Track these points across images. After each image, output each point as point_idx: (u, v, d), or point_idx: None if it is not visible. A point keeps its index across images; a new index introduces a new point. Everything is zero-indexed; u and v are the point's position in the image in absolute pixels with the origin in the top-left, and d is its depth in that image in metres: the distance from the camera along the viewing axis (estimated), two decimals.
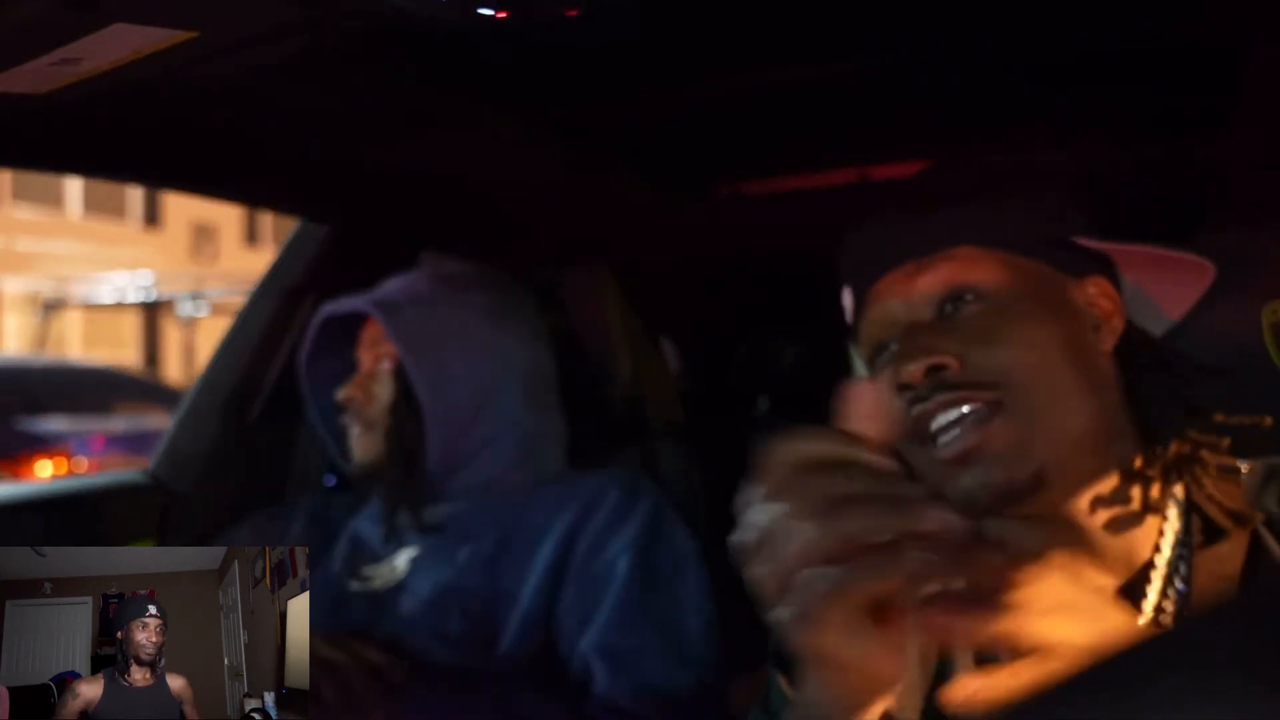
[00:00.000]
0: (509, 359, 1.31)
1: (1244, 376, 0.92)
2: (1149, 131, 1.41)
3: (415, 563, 1.26)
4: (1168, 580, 0.72)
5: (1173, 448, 0.75)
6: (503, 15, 0.84)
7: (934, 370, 0.73)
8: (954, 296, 0.76)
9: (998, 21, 1.04)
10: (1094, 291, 0.79)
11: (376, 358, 1.31)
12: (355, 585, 1.27)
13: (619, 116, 1.37)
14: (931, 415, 0.73)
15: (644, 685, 1.15)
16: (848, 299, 0.86)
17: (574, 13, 0.87)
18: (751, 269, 2.18)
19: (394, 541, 1.30)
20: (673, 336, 2.39)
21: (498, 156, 1.48)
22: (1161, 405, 0.76)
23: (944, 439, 0.73)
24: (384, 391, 1.29)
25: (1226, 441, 0.76)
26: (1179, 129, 1.36)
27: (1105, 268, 0.81)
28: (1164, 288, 0.82)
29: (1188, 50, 1.11)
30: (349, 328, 1.36)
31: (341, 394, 1.31)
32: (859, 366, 0.96)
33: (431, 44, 1.03)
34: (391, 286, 1.34)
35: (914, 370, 0.73)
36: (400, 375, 1.28)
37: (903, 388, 0.74)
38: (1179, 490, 0.75)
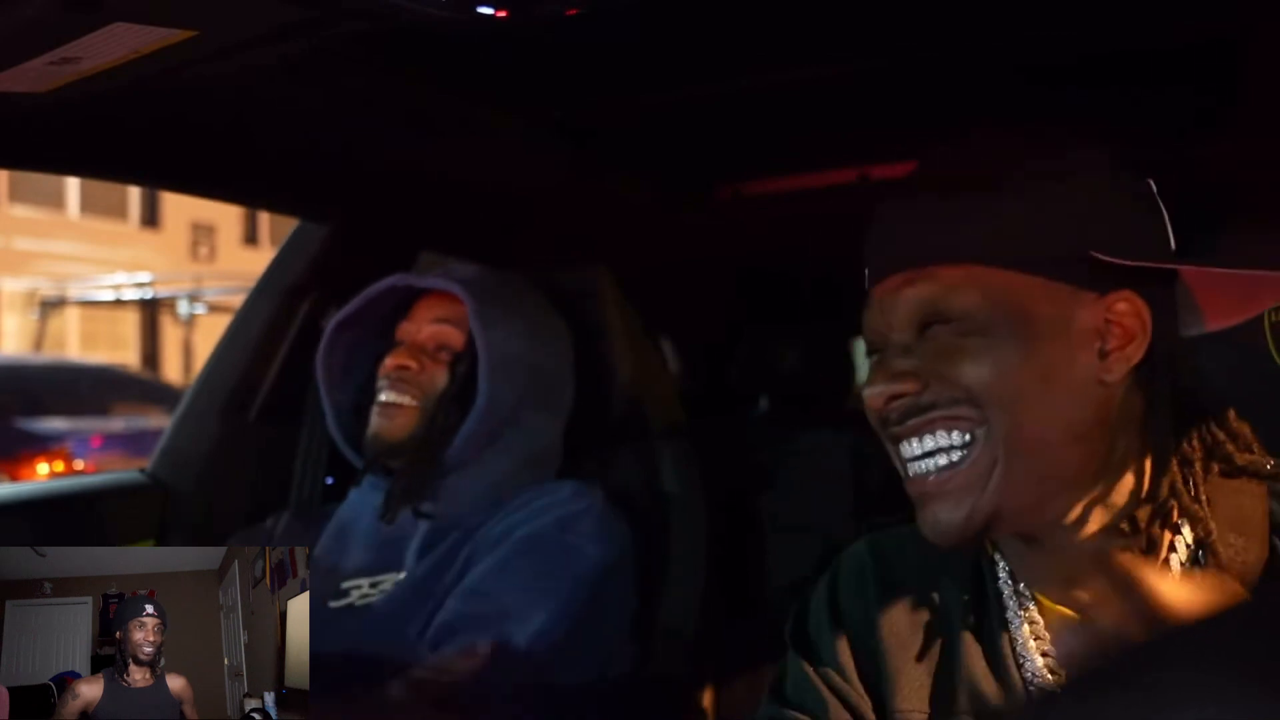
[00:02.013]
0: (547, 370, 1.33)
1: (1244, 376, 0.92)
2: (1149, 132, 1.41)
3: (400, 583, 1.26)
4: None
5: (1163, 495, 0.72)
6: (503, 15, 0.84)
7: (895, 399, 0.73)
8: (927, 319, 0.73)
9: (998, 21, 1.04)
10: (1122, 309, 0.72)
11: (436, 336, 1.31)
12: (333, 603, 1.26)
13: (619, 116, 1.37)
14: (899, 439, 0.74)
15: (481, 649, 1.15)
16: (867, 279, 0.82)
17: (574, 12, 0.87)
18: (751, 269, 2.18)
19: (390, 525, 1.29)
20: (673, 336, 2.39)
21: (498, 157, 1.48)
22: (1166, 447, 0.73)
23: (912, 470, 0.74)
24: (439, 373, 1.29)
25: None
26: (1178, 130, 1.36)
27: (1146, 279, 0.73)
28: (1219, 301, 0.76)
29: (1187, 50, 1.11)
30: (373, 319, 1.36)
31: (392, 361, 1.29)
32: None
33: (431, 44, 1.03)
34: (462, 274, 1.33)
35: (874, 397, 0.74)
36: (459, 362, 1.29)
37: (873, 411, 0.75)
38: (1186, 537, 0.73)
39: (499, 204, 1.67)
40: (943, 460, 0.72)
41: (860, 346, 3.31)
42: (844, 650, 0.82)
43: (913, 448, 0.74)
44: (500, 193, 1.63)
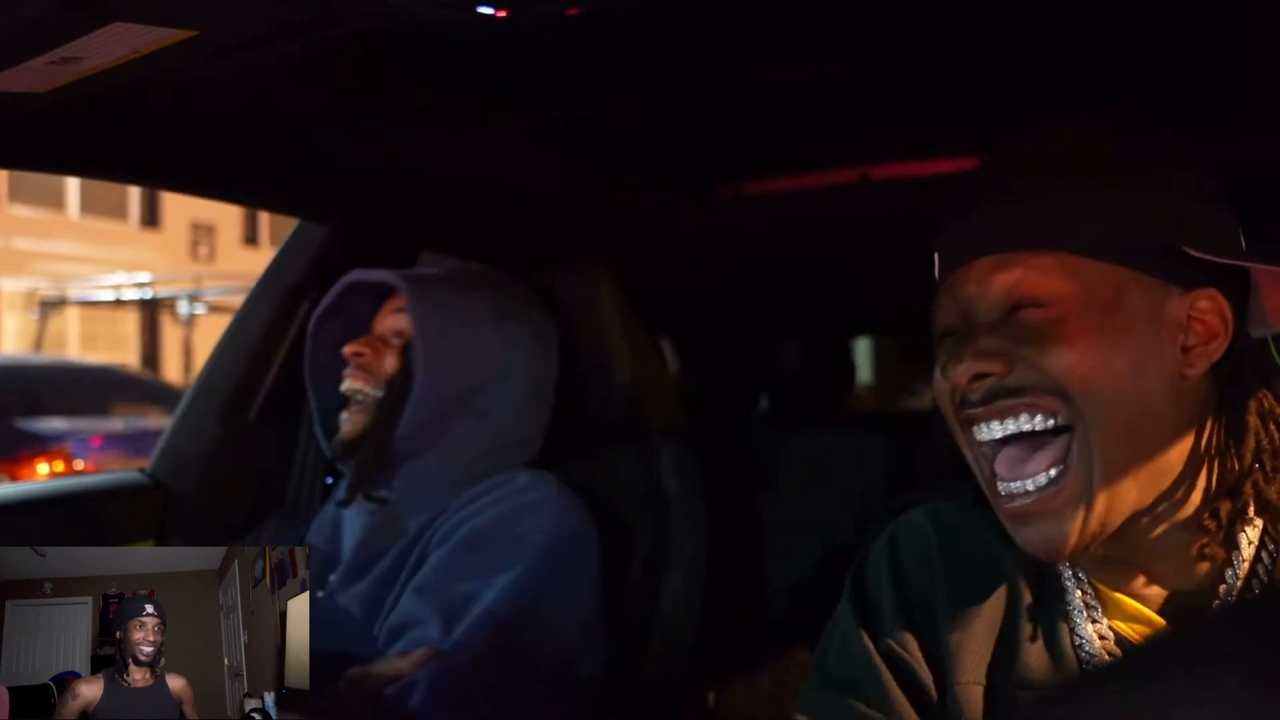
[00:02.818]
0: (506, 359, 1.32)
1: None
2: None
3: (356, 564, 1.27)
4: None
5: (1245, 494, 0.72)
6: (503, 15, 0.84)
7: (979, 377, 0.72)
8: (1018, 303, 0.72)
9: (998, 21, 1.04)
10: (1205, 306, 0.72)
11: (392, 324, 1.33)
12: (319, 593, 1.27)
13: (619, 116, 1.37)
14: (976, 421, 0.73)
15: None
16: (938, 264, 0.81)
17: (574, 12, 0.87)
18: (752, 269, 2.18)
19: (360, 504, 1.30)
20: (672, 336, 2.39)
21: (498, 156, 1.48)
22: (1257, 437, 0.72)
23: (1007, 499, 0.73)
24: (390, 360, 1.31)
25: None
26: (1179, 129, 1.36)
27: (1227, 278, 0.73)
28: None
29: (1187, 50, 1.11)
30: (357, 317, 1.38)
31: (348, 348, 1.31)
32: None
33: (431, 44, 1.03)
34: (417, 270, 1.36)
35: (960, 374, 0.72)
36: (406, 352, 1.30)
37: (953, 390, 0.74)
38: (1251, 534, 0.73)
39: (499, 204, 1.67)
40: (1043, 480, 0.71)
41: (860, 346, 3.31)
42: (907, 619, 0.81)
43: (991, 430, 0.73)
44: (500, 193, 1.63)
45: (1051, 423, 0.71)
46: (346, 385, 1.31)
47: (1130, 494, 0.71)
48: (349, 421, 1.31)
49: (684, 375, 2.45)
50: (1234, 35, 1.05)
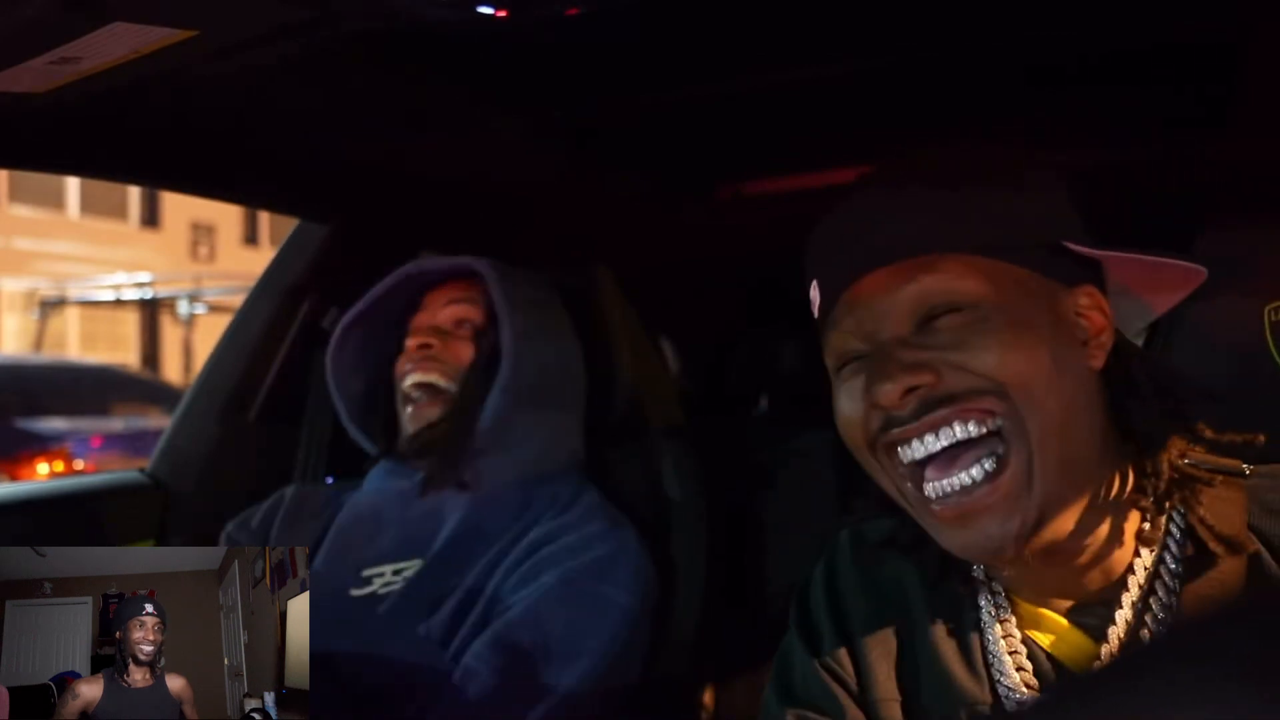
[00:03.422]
0: (566, 349, 1.35)
1: (1244, 375, 0.92)
2: (1148, 131, 1.41)
3: (422, 571, 1.25)
4: (1142, 607, 0.71)
5: (1165, 471, 0.72)
6: (503, 15, 0.84)
7: (911, 391, 0.69)
8: (933, 311, 0.71)
9: (998, 21, 1.04)
10: (1086, 302, 0.74)
11: (454, 314, 1.32)
12: (356, 591, 1.25)
13: (619, 116, 1.37)
14: (904, 440, 0.71)
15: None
16: (815, 294, 0.80)
17: (574, 12, 0.87)
18: (752, 269, 2.18)
19: (429, 501, 1.29)
20: (672, 336, 2.39)
21: (498, 156, 1.48)
22: (1155, 426, 0.73)
23: (939, 501, 0.70)
24: (463, 349, 1.30)
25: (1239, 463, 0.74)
26: (1178, 129, 1.36)
27: (1096, 274, 0.76)
28: (1151, 288, 0.79)
29: (1187, 50, 1.11)
30: (381, 315, 1.37)
31: (413, 342, 1.29)
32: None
33: (431, 44, 1.03)
34: (488, 259, 1.36)
35: (890, 392, 0.69)
36: (482, 336, 1.30)
37: (875, 407, 0.71)
38: (1163, 520, 0.73)
39: (499, 204, 1.67)
40: (978, 473, 0.69)
41: None
42: (842, 640, 0.82)
43: (926, 445, 0.70)
44: (500, 193, 1.64)
45: (985, 429, 0.69)
46: (416, 379, 1.29)
47: (1061, 488, 0.69)
48: (418, 417, 1.29)
49: (684, 375, 2.45)
50: (1234, 36, 1.05)
